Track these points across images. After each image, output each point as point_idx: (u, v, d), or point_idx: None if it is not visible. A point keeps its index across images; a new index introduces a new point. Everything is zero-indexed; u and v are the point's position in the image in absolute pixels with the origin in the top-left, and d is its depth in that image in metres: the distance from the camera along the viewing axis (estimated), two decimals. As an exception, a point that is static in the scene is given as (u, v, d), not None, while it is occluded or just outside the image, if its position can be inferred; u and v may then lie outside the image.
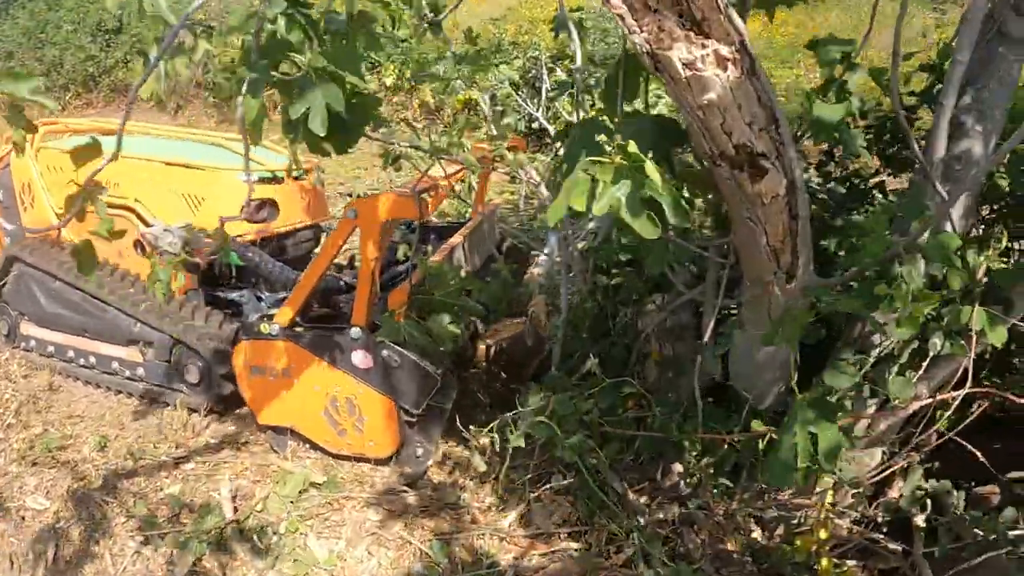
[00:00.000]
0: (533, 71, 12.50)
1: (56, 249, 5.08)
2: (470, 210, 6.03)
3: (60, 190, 5.05)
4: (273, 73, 2.47)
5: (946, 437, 3.19)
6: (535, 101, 11.51)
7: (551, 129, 8.03)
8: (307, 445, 4.33)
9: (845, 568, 3.43)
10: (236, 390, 4.40)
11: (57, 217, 5.08)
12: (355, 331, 3.84)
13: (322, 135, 2.46)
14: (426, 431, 4.12)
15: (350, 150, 2.82)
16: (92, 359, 5.05)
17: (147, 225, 4.72)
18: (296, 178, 5.31)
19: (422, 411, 3.97)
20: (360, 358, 3.88)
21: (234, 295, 5.16)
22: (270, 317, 4.16)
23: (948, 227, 2.73)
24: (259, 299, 5.11)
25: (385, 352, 3.83)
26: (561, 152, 6.01)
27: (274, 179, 5.16)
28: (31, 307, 5.24)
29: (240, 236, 4.84)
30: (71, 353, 5.14)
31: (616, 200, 2.07)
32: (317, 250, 5.31)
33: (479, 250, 5.48)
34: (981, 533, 3.10)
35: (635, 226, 2.07)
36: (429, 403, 3.96)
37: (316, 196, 5.65)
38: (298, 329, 4.06)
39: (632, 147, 2.06)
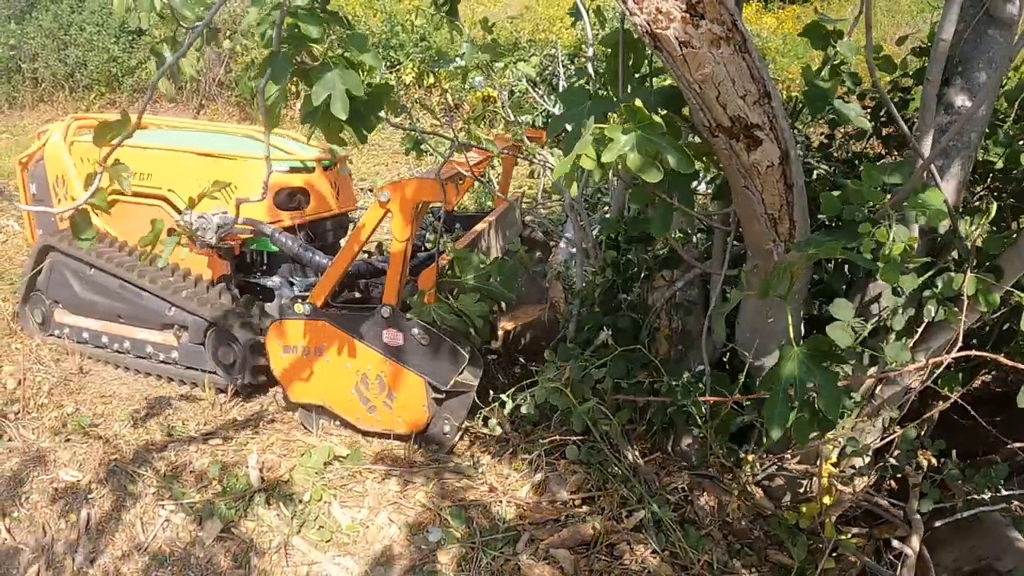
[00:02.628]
0: (550, 68, 12.64)
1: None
2: (491, 201, 6.13)
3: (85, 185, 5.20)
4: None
5: (948, 403, 3.32)
6: (552, 98, 11.67)
7: (568, 125, 8.14)
8: (335, 423, 4.52)
9: (849, 533, 3.57)
10: (267, 371, 4.60)
11: (90, 208, 5.23)
12: (385, 310, 3.99)
13: (343, 118, 2.61)
14: (454, 408, 4.23)
15: (367, 143, 2.98)
16: (127, 344, 5.25)
17: (179, 214, 4.94)
18: (326, 168, 5.48)
19: (450, 388, 4.09)
20: (390, 336, 4.03)
21: (266, 281, 5.34)
22: (303, 298, 4.33)
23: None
24: (291, 284, 5.27)
25: (415, 330, 3.98)
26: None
27: (304, 168, 5.32)
28: (65, 295, 5.43)
29: (273, 223, 5.03)
30: (105, 339, 5.33)
31: (623, 152, 2.24)
32: (346, 237, 5.54)
33: (505, 236, 5.62)
34: (975, 492, 3.23)
35: (641, 173, 2.24)
36: (457, 380, 4.07)
37: (345, 185, 5.84)
38: (330, 309, 4.24)
39: (638, 103, 2.23)
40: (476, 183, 5.45)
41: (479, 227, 5.12)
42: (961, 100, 2.98)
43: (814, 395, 2.44)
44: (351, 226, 5.93)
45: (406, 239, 3.89)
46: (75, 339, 5.50)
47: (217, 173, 4.94)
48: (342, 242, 5.41)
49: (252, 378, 4.87)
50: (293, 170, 5.26)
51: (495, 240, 5.43)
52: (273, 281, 5.32)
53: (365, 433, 4.44)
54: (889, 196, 2.65)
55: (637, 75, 2.86)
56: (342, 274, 4.22)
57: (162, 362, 5.17)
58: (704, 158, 2.68)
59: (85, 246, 2.81)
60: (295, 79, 2.77)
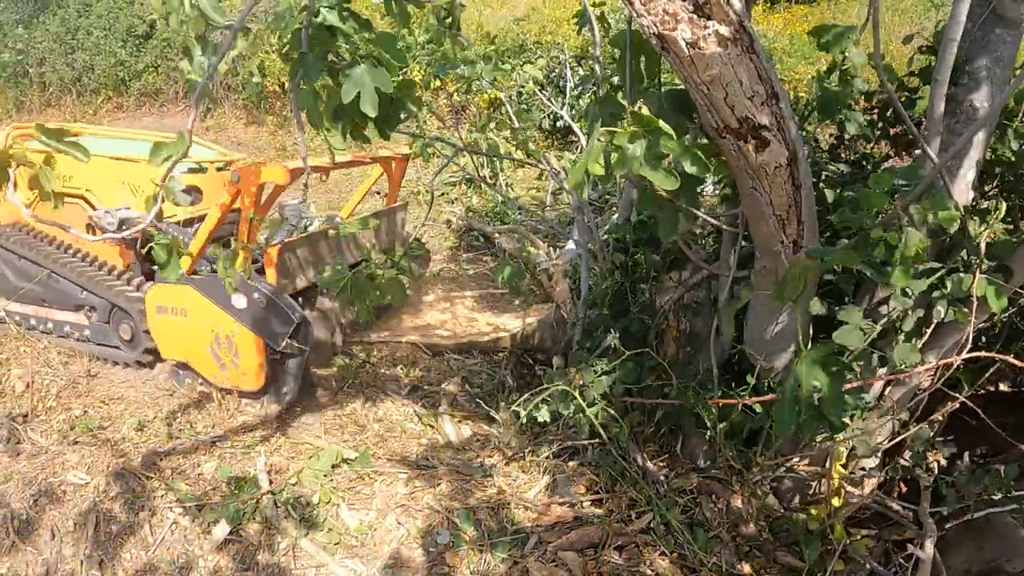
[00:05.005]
0: (557, 70, 12.64)
1: (22, 233, 5.86)
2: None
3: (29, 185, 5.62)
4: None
5: (956, 402, 3.30)
6: (559, 100, 11.67)
7: (576, 127, 8.18)
8: (198, 380, 4.90)
9: (858, 536, 3.56)
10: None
11: (26, 207, 5.64)
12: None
13: (373, 116, 2.65)
14: (290, 369, 4.67)
15: (389, 139, 3.03)
16: (49, 324, 5.74)
17: (94, 210, 5.47)
18: (219, 170, 6.06)
19: (284, 349, 4.46)
20: (237, 299, 4.42)
21: None
22: None
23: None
24: None
25: (255, 294, 4.39)
26: (584, 146, 6.15)
27: (199, 169, 5.93)
28: (4, 285, 5.92)
29: (169, 218, 5.67)
30: (33, 321, 5.82)
31: (634, 158, 2.24)
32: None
33: (388, 236, 6.12)
34: (985, 493, 3.21)
35: (654, 179, 2.24)
36: (289, 343, 4.45)
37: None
38: (194, 276, 4.68)
39: (645, 111, 2.23)
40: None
41: (337, 222, 5.71)
42: (969, 100, 2.97)
43: (820, 397, 2.44)
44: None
45: (249, 217, 4.34)
46: (13, 323, 5.94)
47: (128, 175, 5.62)
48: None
49: (147, 351, 5.25)
50: (191, 171, 5.87)
51: (376, 238, 5.97)
52: None
53: (219, 389, 4.82)
54: (897, 198, 2.64)
55: (651, 78, 2.84)
56: (204, 243, 4.59)
57: (77, 340, 5.63)
58: (712, 159, 2.68)
59: (172, 278, 3.10)
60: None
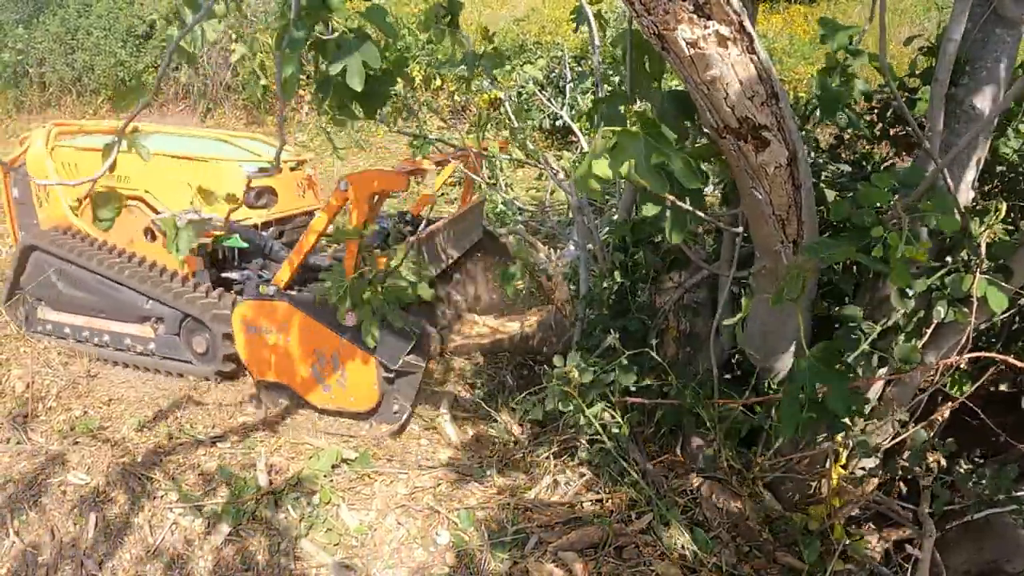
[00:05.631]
0: (556, 70, 12.64)
1: (73, 238, 5.47)
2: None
3: (73, 186, 5.41)
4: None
5: (957, 403, 3.30)
6: (559, 100, 11.67)
7: (575, 127, 8.19)
8: (294, 401, 4.67)
9: (858, 536, 3.55)
10: (237, 358, 4.81)
11: (71, 211, 5.52)
12: None
13: (359, 90, 2.61)
14: (403, 388, 4.38)
15: (374, 144, 3.00)
16: (105, 337, 5.41)
17: (156, 213, 5.22)
18: (292, 169, 5.80)
19: (399, 368, 4.23)
20: (347, 316, 4.17)
21: (237, 274, 5.51)
22: (268, 281, 4.52)
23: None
24: (260, 277, 5.43)
25: None
26: (585, 146, 6.15)
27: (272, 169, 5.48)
28: (48, 292, 5.59)
29: (242, 221, 5.30)
30: (86, 333, 5.49)
31: (633, 161, 2.24)
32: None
33: (465, 238, 5.89)
34: (985, 493, 3.21)
35: (647, 182, 2.24)
36: (405, 360, 4.22)
37: (310, 185, 6.15)
38: (292, 291, 4.40)
39: (648, 113, 2.23)
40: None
41: (438, 225, 5.37)
42: (969, 100, 2.96)
43: (824, 396, 2.44)
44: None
45: (361, 228, 4.05)
46: (58, 335, 5.64)
47: (191, 175, 5.28)
48: None
49: (223, 365, 5.05)
50: (262, 171, 5.30)
51: (455, 240, 5.70)
52: (244, 275, 5.49)
53: (321, 411, 4.58)
54: (898, 198, 2.64)
55: (654, 78, 2.84)
56: (303, 258, 4.38)
57: (140, 353, 5.35)
58: (712, 159, 2.68)
59: (105, 226, 2.89)
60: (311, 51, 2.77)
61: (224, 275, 5.51)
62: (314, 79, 2.76)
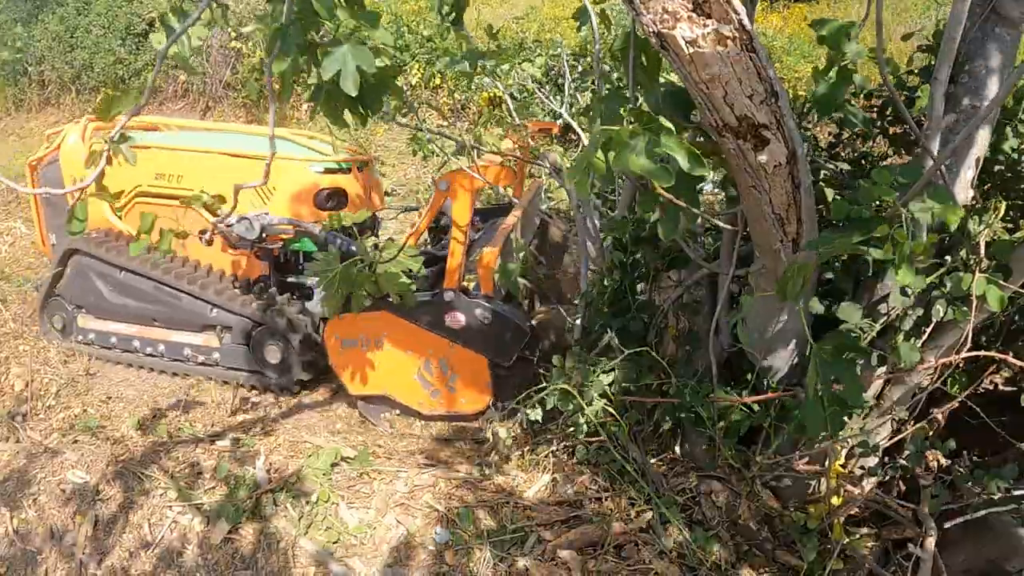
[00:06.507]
0: (556, 69, 12.62)
1: (117, 241, 5.27)
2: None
3: (110, 183, 5.20)
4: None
5: (956, 402, 3.30)
6: (558, 98, 11.65)
7: (575, 125, 8.18)
8: (396, 412, 4.64)
9: (857, 535, 3.55)
10: (315, 367, 4.76)
11: (110, 209, 5.30)
12: (448, 294, 4.15)
13: (353, 95, 2.60)
14: (515, 382, 4.32)
15: (373, 142, 2.99)
16: (161, 347, 5.21)
17: (214, 216, 4.90)
18: (360, 169, 5.52)
19: (512, 363, 4.22)
20: (452, 319, 4.16)
21: (305, 280, 5.34)
22: None
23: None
24: None
25: (478, 311, 4.12)
26: (585, 143, 6.14)
27: (340, 170, 5.34)
28: (91, 299, 5.37)
29: (315, 222, 5.05)
30: (136, 343, 5.29)
31: (632, 155, 2.24)
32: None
33: (529, 225, 5.77)
34: (984, 493, 3.21)
35: (651, 176, 2.23)
36: (519, 354, 4.21)
37: (376, 186, 5.90)
38: (389, 299, 4.26)
39: (645, 108, 2.23)
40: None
41: (514, 216, 5.17)
42: (968, 99, 2.96)
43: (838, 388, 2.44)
44: (378, 223, 6.08)
45: (465, 225, 4.05)
46: (102, 344, 5.44)
47: (248, 174, 4.91)
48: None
49: (302, 374, 4.91)
50: (329, 171, 5.27)
51: (525, 229, 5.55)
52: (312, 280, 5.29)
53: (428, 418, 4.53)
54: (897, 196, 2.63)
55: (653, 76, 2.84)
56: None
57: (202, 364, 5.17)
58: (711, 158, 2.67)
59: (77, 230, 2.82)
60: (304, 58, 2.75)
61: (289, 280, 5.37)
62: (307, 84, 2.74)
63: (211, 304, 4.98)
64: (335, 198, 5.27)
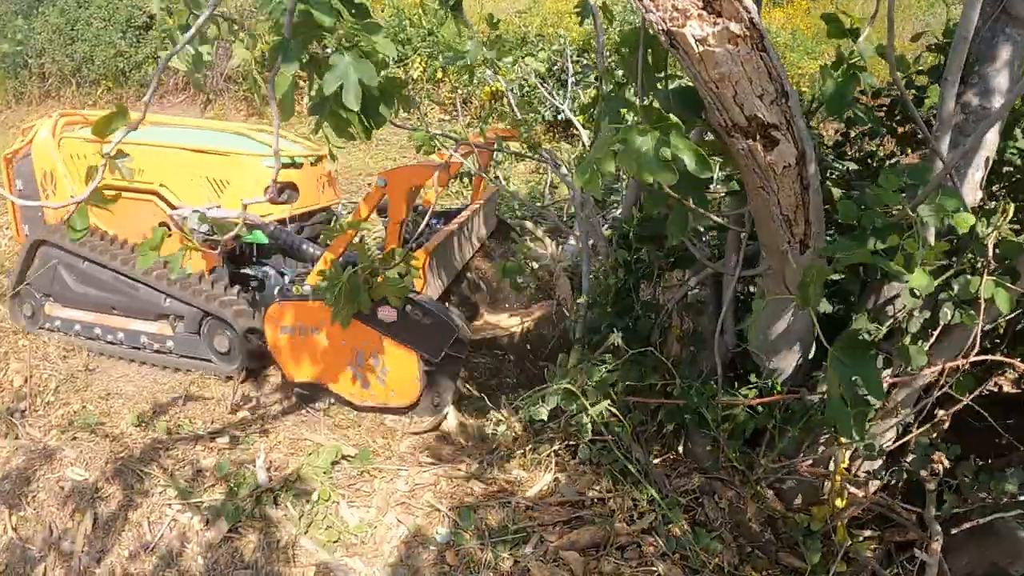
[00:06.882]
0: (558, 63, 12.58)
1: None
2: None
3: (81, 177, 5.35)
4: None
5: (962, 404, 3.28)
6: (560, 93, 11.62)
7: (576, 120, 8.16)
8: (331, 401, 4.68)
9: (861, 537, 3.53)
10: (263, 355, 4.85)
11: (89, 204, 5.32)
12: None
13: (355, 109, 2.58)
14: (444, 379, 4.46)
15: (371, 138, 2.96)
16: (120, 335, 5.37)
17: (172, 208, 5.12)
18: (313, 164, 5.71)
19: (440, 360, 4.29)
20: (385, 313, 4.21)
21: (257, 271, 5.50)
22: (303, 281, 4.54)
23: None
24: (282, 274, 5.44)
25: (408, 306, 4.17)
26: (586, 140, 6.13)
27: (293, 164, 5.51)
28: (57, 288, 5.53)
29: (264, 217, 5.22)
30: (98, 330, 5.44)
31: (640, 156, 2.21)
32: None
33: (490, 222, 5.96)
34: (990, 497, 3.19)
35: (657, 176, 2.21)
36: (447, 352, 4.28)
37: (330, 180, 6.08)
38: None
39: (655, 106, 2.20)
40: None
41: (462, 217, 5.42)
42: (977, 99, 2.93)
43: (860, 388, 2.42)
44: (334, 218, 6.20)
45: (400, 221, 4.13)
46: (66, 332, 5.59)
47: (210, 169, 5.19)
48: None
49: (248, 362, 5.03)
50: (283, 165, 5.37)
51: (476, 230, 5.73)
52: (264, 271, 5.48)
53: (361, 409, 4.60)
54: (904, 197, 2.61)
55: (658, 74, 2.81)
56: (340, 255, 4.39)
57: (157, 351, 5.31)
58: (719, 157, 2.65)
59: (77, 237, 2.86)
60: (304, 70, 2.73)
61: (242, 271, 5.50)
62: (310, 97, 2.72)
63: (165, 294, 5.12)
64: (286, 192, 5.44)
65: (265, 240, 5.13)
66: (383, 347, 4.29)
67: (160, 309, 5.18)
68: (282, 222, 5.39)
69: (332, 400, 4.67)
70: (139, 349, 5.35)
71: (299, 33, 2.57)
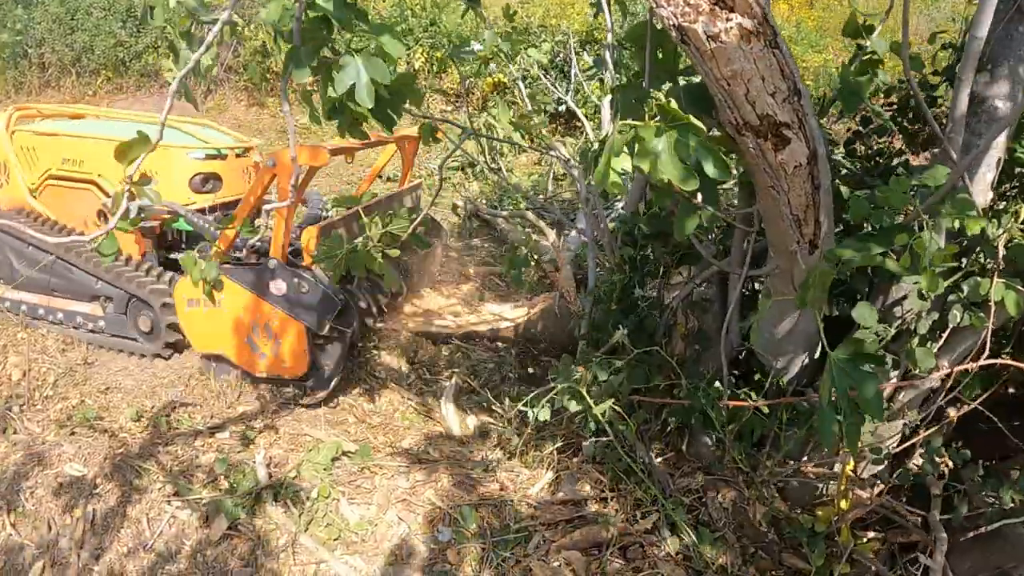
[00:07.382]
0: (561, 54, 12.53)
1: (28, 218, 5.77)
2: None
3: (32, 168, 5.76)
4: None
5: (969, 407, 3.25)
6: (563, 84, 11.57)
7: (579, 111, 8.12)
8: (233, 371, 4.83)
9: (865, 539, 3.50)
10: (182, 337, 5.07)
11: (30, 192, 5.80)
12: (272, 262, 4.40)
13: (369, 107, 2.57)
14: (332, 353, 4.65)
15: (392, 132, 2.96)
16: (59, 315, 5.61)
17: (108, 197, 5.39)
18: (239, 155, 5.95)
19: (327, 333, 4.45)
20: (276, 286, 4.39)
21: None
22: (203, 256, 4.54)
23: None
24: None
25: (295, 279, 4.35)
26: (589, 133, 6.07)
27: (219, 156, 5.77)
28: (5, 271, 5.81)
29: (188, 205, 5.43)
30: (41, 311, 5.69)
31: (656, 156, 2.18)
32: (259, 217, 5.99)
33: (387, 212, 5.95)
34: (996, 502, 3.16)
35: (675, 180, 2.17)
36: (333, 326, 4.45)
37: (257, 171, 6.15)
38: (226, 264, 4.55)
39: (673, 105, 2.16)
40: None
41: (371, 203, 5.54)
42: (991, 99, 2.89)
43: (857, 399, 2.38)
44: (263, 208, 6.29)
45: (288, 200, 4.19)
46: (13, 311, 5.80)
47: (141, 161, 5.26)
48: (257, 222, 5.78)
49: (169, 338, 5.23)
50: (208, 157, 5.71)
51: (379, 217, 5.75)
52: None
53: (257, 380, 4.78)
54: (916, 198, 2.57)
55: (668, 71, 2.76)
56: (237, 232, 4.53)
57: (91, 331, 5.54)
58: (731, 157, 2.61)
59: (107, 261, 2.98)
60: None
61: (173, 256, 5.75)
62: (324, 102, 2.71)
63: (96, 277, 5.36)
64: (210, 182, 5.72)
65: (190, 227, 5.38)
66: (275, 318, 4.46)
67: (92, 291, 5.42)
68: (202, 211, 5.56)
69: (237, 371, 4.85)
70: (77, 328, 5.58)
71: (308, 39, 2.55)
